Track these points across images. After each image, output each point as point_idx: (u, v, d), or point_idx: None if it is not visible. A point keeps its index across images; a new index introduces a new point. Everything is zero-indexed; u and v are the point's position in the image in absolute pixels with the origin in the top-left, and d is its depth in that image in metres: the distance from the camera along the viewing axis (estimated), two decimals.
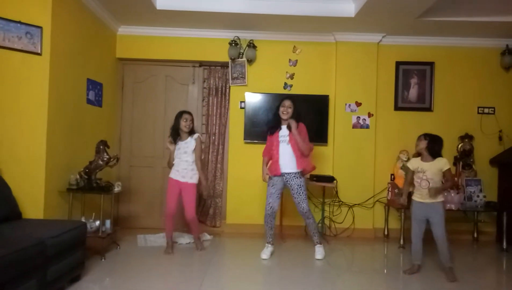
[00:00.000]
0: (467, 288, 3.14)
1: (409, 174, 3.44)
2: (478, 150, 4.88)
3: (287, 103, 3.76)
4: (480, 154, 4.90)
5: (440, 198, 3.28)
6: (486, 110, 4.99)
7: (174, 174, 3.88)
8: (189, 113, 3.94)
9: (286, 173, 3.74)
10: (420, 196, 3.33)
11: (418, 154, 3.44)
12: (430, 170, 3.27)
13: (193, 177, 3.89)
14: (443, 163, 3.27)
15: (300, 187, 3.72)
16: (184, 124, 3.85)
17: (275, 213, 3.85)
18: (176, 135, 3.92)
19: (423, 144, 3.30)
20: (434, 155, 3.29)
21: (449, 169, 3.28)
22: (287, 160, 3.73)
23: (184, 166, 3.85)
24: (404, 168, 3.48)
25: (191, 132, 3.91)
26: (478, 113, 4.99)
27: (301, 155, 3.74)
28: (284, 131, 3.78)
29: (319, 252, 3.82)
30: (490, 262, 4.10)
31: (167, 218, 3.87)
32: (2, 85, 3.21)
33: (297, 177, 3.73)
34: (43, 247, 2.44)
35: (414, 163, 3.39)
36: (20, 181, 3.17)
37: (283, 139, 3.76)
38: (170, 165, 3.95)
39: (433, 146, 3.29)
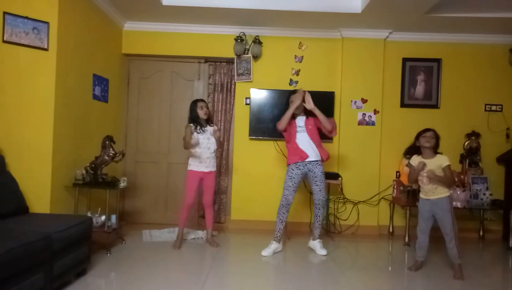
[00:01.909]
0: (473, 286, 3.12)
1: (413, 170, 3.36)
2: (485, 147, 4.84)
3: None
4: (487, 151, 4.86)
5: (444, 193, 3.24)
6: (493, 107, 4.94)
7: (197, 167, 3.86)
8: (203, 100, 3.97)
9: (309, 161, 3.76)
10: (424, 193, 3.33)
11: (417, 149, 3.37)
12: (430, 167, 3.24)
13: (214, 165, 3.97)
14: (443, 160, 3.24)
15: (322, 174, 3.81)
16: (201, 112, 3.85)
17: (289, 207, 3.86)
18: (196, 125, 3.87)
19: (434, 141, 3.26)
20: (436, 152, 3.30)
21: (448, 166, 3.22)
22: (307, 148, 3.76)
23: (207, 155, 3.86)
24: (409, 165, 3.46)
25: (208, 120, 3.94)
26: (485, 110, 4.95)
27: (320, 143, 3.84)
28: (300, 122, 3.82)
29: (323, 248, 3.84)
30: (496, 260, 4.08)
31: (185, 209, 3.88)
32: (9, 80, 3.23)
33: (320, 165, 3.81)
34: (49, 241, 2.46)
35: (416, 160, 3.35)
36: (26, 176, 3.20)
37: (300, 129, 3.80)
38: (188, 146, 3.76)
39: (437, 142, 3.29)
